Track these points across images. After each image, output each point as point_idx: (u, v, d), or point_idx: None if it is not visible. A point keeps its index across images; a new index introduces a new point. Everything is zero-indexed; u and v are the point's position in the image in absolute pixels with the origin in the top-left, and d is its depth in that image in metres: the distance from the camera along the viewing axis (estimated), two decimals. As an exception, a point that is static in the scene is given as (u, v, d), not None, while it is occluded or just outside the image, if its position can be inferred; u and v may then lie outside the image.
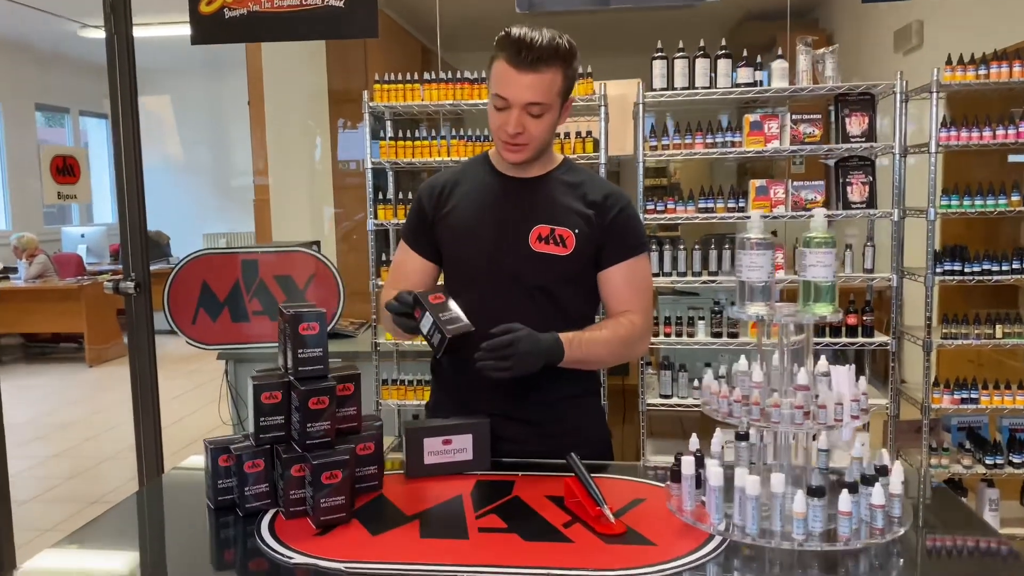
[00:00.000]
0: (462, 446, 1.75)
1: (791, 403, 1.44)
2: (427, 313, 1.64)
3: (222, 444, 1.61)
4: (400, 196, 3.51)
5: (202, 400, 5.82)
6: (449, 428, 1.74)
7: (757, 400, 1.45)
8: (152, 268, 4.00)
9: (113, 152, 3.57)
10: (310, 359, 1.56)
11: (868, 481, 1.41)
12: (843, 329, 3.18)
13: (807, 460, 1.53)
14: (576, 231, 1.77)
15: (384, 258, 3.59)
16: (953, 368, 3.64)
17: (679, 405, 3.34)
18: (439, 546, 1.41)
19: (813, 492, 1.37)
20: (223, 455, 1.60)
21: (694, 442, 1.66)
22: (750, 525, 1.39)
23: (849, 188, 3.13)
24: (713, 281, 3.28)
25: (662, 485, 1.65)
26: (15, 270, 8.14)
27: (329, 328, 3.97)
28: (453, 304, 1.67)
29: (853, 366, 1.51)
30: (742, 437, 1.65)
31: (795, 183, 3.16)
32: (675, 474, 1.55)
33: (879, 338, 3.19)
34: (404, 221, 1.94)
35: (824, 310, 1.49)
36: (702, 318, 3.34)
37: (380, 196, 3.52)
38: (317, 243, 4.41)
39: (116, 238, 10.31)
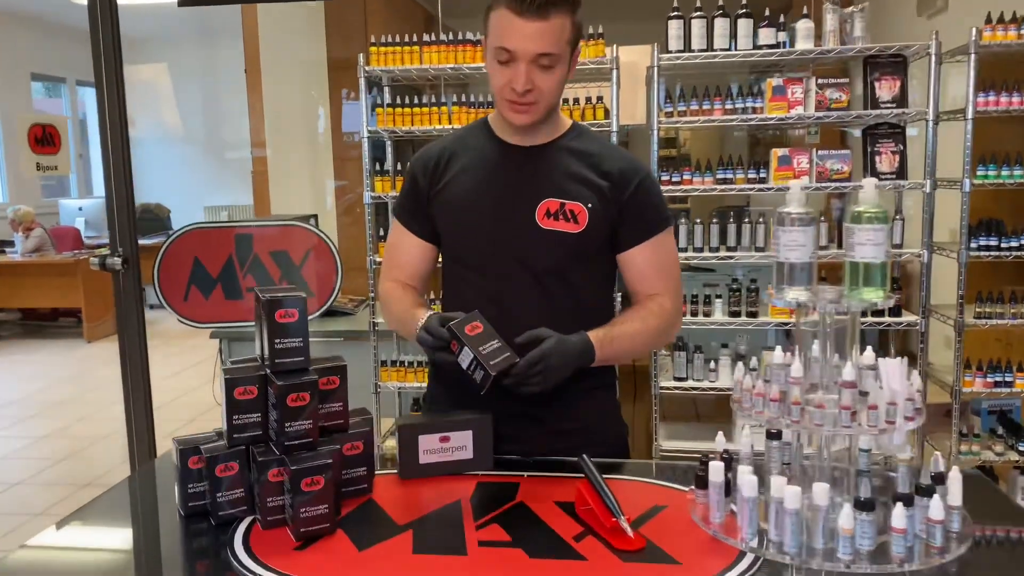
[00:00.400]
0: (461, 443, 1.57)
1: (836, 403, 1.26)
2: (465, 348, 1.46)
3: (192, 443, 1.44)
4: (399, 168, 3.32)
5: (200, 378, 5.67)
6: (447, 424, 1.57)
7: (798, 399, 1.26)
8: (151, 242, 3.86)
9: (99, 121, 3.38)
10: (288, 350, 1.38)
11: (924, 492, 1.23)
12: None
13: (851, 464, 1.35)
14: (589, 206, 1.58)
15: (382, 233, 3.40)
16: (979, 349, 3.44)
17: (694, 388, 3.16)
18: (434, 564, 1.25)
19: (862, 505, 1.19)
20: (193, 456, 1.43)
21: (720, 441, 1.48)
22: (789, 542, 1.21)
23: (878, 158, 2.93)
24: (730, 257, 3.09)
25: (685, 490, 1.48)
26: (11, 244, 7.98)
27: (327, 305, 3.81)
28: (491, 331, 1.49)
29: (905, 359, 1.33)
30: (774, 436, 1.47)
31: (820, 152, 2.96)
32: (700, 479, 1.38)
33: (907, 317, 3.01)
34: (398, 194, 1.75)
35: (874, 295, 1.31)
36: (719, 296, 3.16)
37: (378, 167, 3.33)
38: (314, 217, 4.23)
39: (115, 211, 10.11)
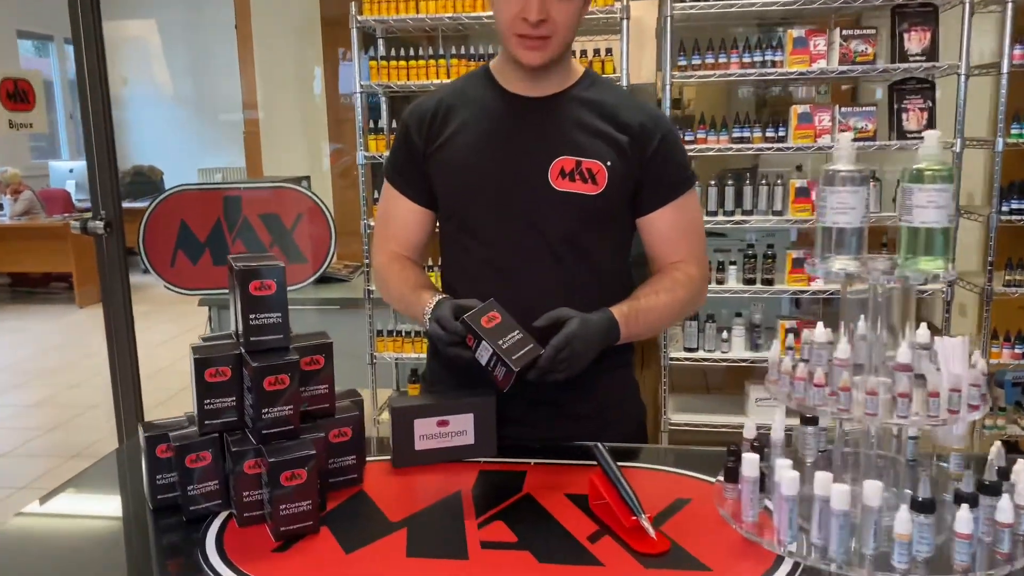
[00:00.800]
0: (461, 428, 1.42)
1: (889, 388, 1.10)
2: (483, 342, 1.30)
3: (160, 430, 1.28)
4: (394, 126, 3.12)
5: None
6: (445, 406, 1.42)
7: (847, 385, 1.11)
8: (143, 205, 3.67)
9: (76, 78, 3.20)
10: (265, 327, 1.22)
11: (990, 490, 1.08)
12: (892, 275, 2.82)
13: (899, 453, 1.20)
14: (608, 164, 1.41)
15: (377, 195, 3.22)
16: (1001, 319, 3.28)
17: (706, 359, 3.01)
18: (430, 570, 1.10)
19: (920, 507, 1.04)
20: (161, 444, 1.28)
21: (750, 428, 1.33)
22: (835, 547, 1.06)
23: (905, 115, 2.75)
24: (746, 221, 2.91)
25: (711, 481, 1.33)
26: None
27: (320, 272, 3.65)
28: (510, 320, 1.33)
29: (967, 337, 1.16)
30: (809, 421, 1.32)
31: (843, 109, 2.78)
32: (730, 471, 1.23)
33: (930, 285, 2.83)
34: (389, 154, 1.57)
35: (934, 265, 1.14)
36: (733, 263, 2.99)
37: (372, 126, 3.14)
38: (307, 179, 4.05)
39: (107, 173, 9.90)
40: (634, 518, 1.15)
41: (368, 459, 1.42)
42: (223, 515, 1.26)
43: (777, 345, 1.27)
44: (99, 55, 3.19)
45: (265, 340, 1.22)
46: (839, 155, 1.15)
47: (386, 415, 3.20)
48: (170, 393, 4.56)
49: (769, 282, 2.91)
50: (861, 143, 2.79)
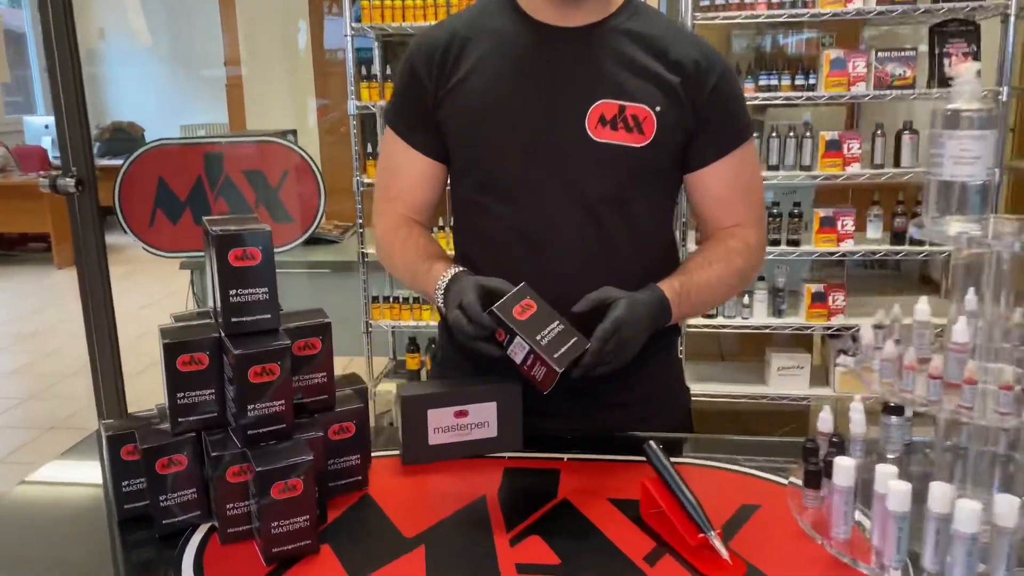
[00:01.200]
0: (482, 418, 1.22)
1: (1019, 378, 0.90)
2: (517, 337, 1.08)
3: (123, 429, 1.07)
4: (388, 72, 2.87)
5: (177, 307, 5.29)
6: (464, 393, 1.21)
7: (973, 377, 0.90)
8: (122, 163, 3.43)
9: (41, 23, 2.93)
10: (249, 305, 1.00)
11: None
12: (928, 235, 2.62)
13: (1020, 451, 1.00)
14: (657, 109, 1.18)
15: (370, 149, 2.99)
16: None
17: (726, 326, 2.81)
18: (457, 606, 0.90)
19: (1066, 527, 0.84)
20: (126, 445, 1.06)
21: (826, 421, 1.13)
22: (957, 576, 0.86)
23: (947, 60, 2.52)
24: (774, 177, 2.69)
25: (781, 482, 1.13)
26: (-29, 165, 7.46)
27: (309, 232, 3.41)
28: (547, 308, 1.11)
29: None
30: (893, 410, 1.12)
31: (879, 54, 2.54)
32: (812, 476, 1.03)
33: None
34: (390, 99, 1.34)
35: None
36: (755, 222, 2.77)
37: (364, 73, 2.88)
38: (293, 132, 3.79)
39: (84, 130, 9.55)
40: (702, 535, 0.95)
41: (371, 454, 1.21)
42: (204, 528, 1.05)
43: (869, 327, 1.06)
44: (66, 2, 2.93)
45: (249, 321, 1.00)
46: (959, 91, 0.93)
47: (384, 387, 3.00)
48: (154, 359, 4.32)
49: (795, 243, 2.70)
50: (899, 91, 2.56)
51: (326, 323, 1.08)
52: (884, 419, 1.14)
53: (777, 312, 2.78)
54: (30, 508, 1.17)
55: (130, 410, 3.26)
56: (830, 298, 2.65)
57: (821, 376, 2.83)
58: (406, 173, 1.30)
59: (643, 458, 1.17)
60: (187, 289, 3.66)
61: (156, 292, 5.86)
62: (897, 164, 2.61)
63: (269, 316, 1.01)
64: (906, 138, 2.56)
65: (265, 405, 0.99)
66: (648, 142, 1.19)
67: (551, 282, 1.18)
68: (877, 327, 1.07)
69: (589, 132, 1.18)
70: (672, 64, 1.20)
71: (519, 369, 1.10)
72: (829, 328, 2.72)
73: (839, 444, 1.07)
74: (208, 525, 1.06)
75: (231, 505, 1.01)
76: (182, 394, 1.01)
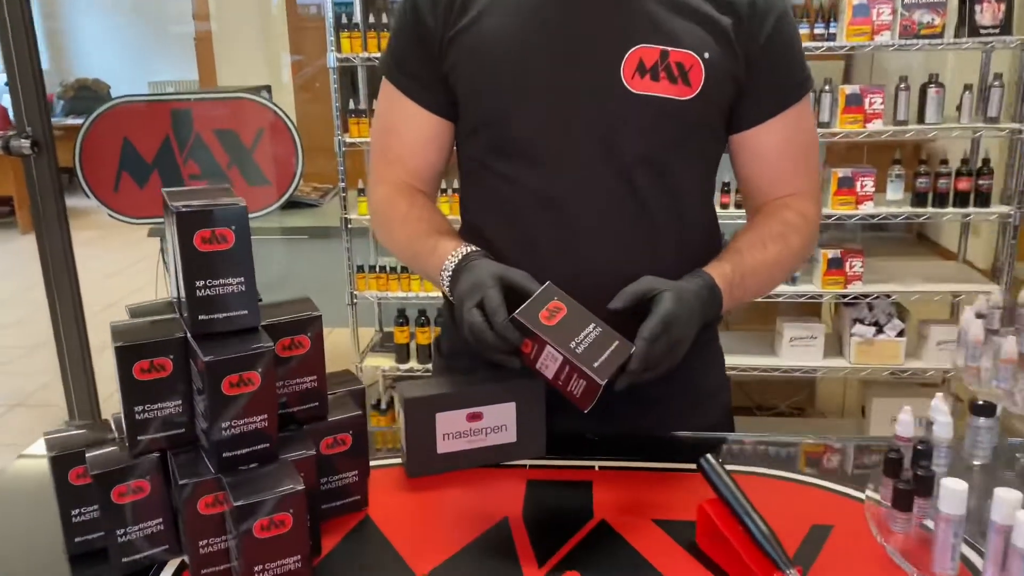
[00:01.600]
0: (500, 421, 1.04)
1: None
2: (548, 347, 0.89)
3: (71, 446, 0.88)
4: (371, 20, 2.63)
5: (147, 276, 5.05)
6: (478, 393, 1.03)
7: None
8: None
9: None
10: (220, 299, 0.81)
11: None
12: (950, 196, 2.46)
13: None
14: (706, 56, 0.99)
15: (352, 106, 2.76)
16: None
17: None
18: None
19: None
20: (75, 467, 0.88)
21: (907, 424, 0.96)
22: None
23: (978, 7, 2.33)
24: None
25: (853, 496, 0.97)
26: (-73, 125, 7.10)
27: (286, 196, 3.19)
28: (579, 309, 0.92)
29: None
30: (983, 410, 0.97)
31: (906, 1, 2.35)
32: (902, 496, 0.86)
33: (996, 208, 2.49)
34: (387, 46, 1.13)
35: None
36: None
37: (345, 21, 2.65)
38: (267, 88, 3.54)
39: (47, 86, 9.18)
40: (779, 574, 0.79)
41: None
42: (175, 565, 0.88)
43: (971, 312, 0.89)
44: (16, -50, 2.69)
45: (221, 319, 0.81)
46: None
47: (370, 362, 2.81)
48: (123, 331, 4.11)
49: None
50: (927, 40, 2.37)
51: (315, 317, 0.89)
52: (972, 421, 0.98)
53: (790, 279, 2.61)
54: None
55: (99, 388, 3.08)
56: (847, 264, 2.48)
57: (834, 347, 2.69)
58: (407, 133, 1.10)
59: (687, 465, 1.01)
60: (157, 257, 3.44)
61: (125, 260, 5.61)
62: (921, 120, 2.43)
63: (246, 312, 0.82)
64: (932, 92, 2.38)
65: (243, 421, 0.81)
66: (695, 94, 1.00)
67: (576, 261, 1.01)
68: (979, 315, 0.90)
69: (625, 82, 0.99)
70: (723, 4, 1.01)
71: (552, 385, 0.92)
72: (845, 296, 2.56)
73: (927, 453, 0.90)
74: (179, 560, 0.88)
75: (204, 542, 0.82)
76: (141, 407, 0.82)
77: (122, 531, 0.85)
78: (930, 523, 0.87)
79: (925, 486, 0.86)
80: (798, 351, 2.61)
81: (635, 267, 1.03)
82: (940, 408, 0.96)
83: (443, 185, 2.57)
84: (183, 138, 3.22)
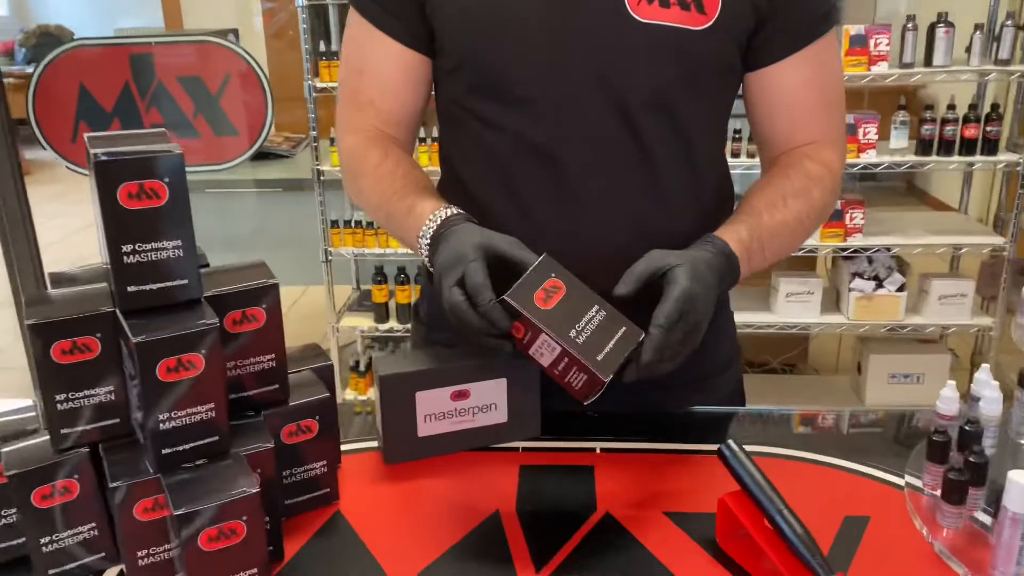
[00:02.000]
0: (488, 399, 0.92)
1: None
2: (543, 335, 0.76)
3: (-13, 441, 0.75)
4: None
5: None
6: (463, 369, 0.90)
7: None
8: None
9: None
10: (154, 267, 0.67)
11: None
12: (957, 144, 2.34)
13: None
14: None
15: (323, 48, 2.58)
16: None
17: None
18: None
19: None
20: (-9, 466, 0.75)
21: (950, 400, 0.85)
22: None
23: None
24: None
25: (888, 481, 0.86)
26: None
27: (256, 146, 3.02)
28: (582, 288, 0.79)
29: None
30: (1033, 383, 0.86)
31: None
32: (953, 486, 0.75)
33: (1004, 156, 2.37)
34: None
35: None
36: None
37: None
38: (234, 32, 3.34)
39: (7, 33, 8.82)
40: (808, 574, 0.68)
41: (341, 449, 0.91)
42: (114, 573, 0.75)
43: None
44: None
45: (154, 290, 0.68)
46: None
47: (347, 322, 2.68)
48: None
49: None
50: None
51: (270, 285, 0.75)
52: (1020, 395, 0.87)
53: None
54: None
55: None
56: (847, 215, 2.36)
57: (831, 302, 2.58)
58: (380, 71, 0.96)
59: (701, 446, 0.91)
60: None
61: (91, 215, 5.40)
62: (928, 63, 2.29)
63: (186, 282, 0.69)
64: (940, 32, 2.24)
65: (186, 412, 0.68)
66: (711, 23, 0.87)
67: (572, 219, 0.89)
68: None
69: (630, 9, 0.85)
70: None
71: (547, 374, 0.79)
72: (845, 249, 2.45)
73: (976, 435, 0.79)
74: (119, 568, 0.76)
75: (143, 552, 0.70)
76: (64, 395, 0.69)
77: (48, 539, 0.72)
78: (982, 516, 0.77)
79: (978, 474, 0.75)
80: (794, 307, 2.51)
81: (640, 225, 0.91)
82: (987, 381, 0.85)
83: (421, 133, 2.42)
84: (144, 85, 3.03)
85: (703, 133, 0.94)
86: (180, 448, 0.69)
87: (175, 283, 0.68)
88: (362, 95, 0.98)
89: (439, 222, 0.85)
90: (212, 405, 0.69)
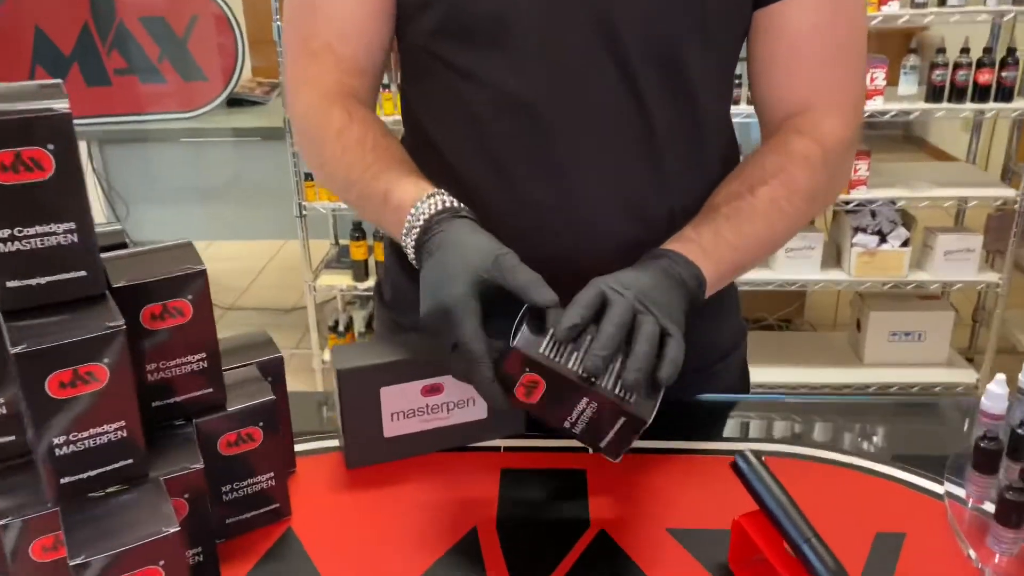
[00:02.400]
0: (465, 394, 0.80)
1: None
2: (579, 393, 0.64)
3: None
4: None
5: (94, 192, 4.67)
6: (434, 360, 0.78)
7: None
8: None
9: None
10: (40, 257, 0.54)
11: None
12: (969, 91, 2.20)
13: None
14: None
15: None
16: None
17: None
18: None
19: None
20: None
21: (997, 397, 0.74)
22: None
23: None
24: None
25: (931, 491, 0.75)
26: None
27: (227, 92, 2.85)
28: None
29: None
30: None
31: None
32: (1010, 509, 0.64)
33: (1020, 103, 2.23)
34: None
35: None
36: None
37: None
38: (200, -31, 3.12)
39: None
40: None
41: (295, 445, 0.79)
42: (17, 611, 0.64)
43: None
44: None
45: (44, 284, 0.55)
46: None
47: (325, 280, 2.55)
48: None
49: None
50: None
51: (197, 272, 0.62)
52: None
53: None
54: None
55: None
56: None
57: (832, 258, 2.47)
58: (336, 9, 0.81)
59: (706, 445, 0.80)
60: (87, 167, 3.09)
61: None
62: (942, 3, 2.14)
63: (84, 273, 0.56)
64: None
65: (88, 433, 0.56)
66: None
67: (557, 184, 0.77)
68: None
69: None
70: None
71: (555, 425, 0.66)
72: (849, 203, 2.32)
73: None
74: (26, 605, 0.64)
75: (47, 596, 0.59)
76: (-60, 411, 0.57)
77: (-65, 577, 0.60)
78: (1038, 536, 0.66)
79: (1032, 488, 0.64)
80: (794, 263, 2.39)
81: (635, 192, 0.78)
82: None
83: (384, 79, 2.26)
84: (104, 27, 2.83)
85: (709, 88, 0.80)
86: (83, 476, 0.56)
87: (69, 275, 0.55)
88: (316, 39, 0.83)
89: (422, 221, 0.70)
90: (122, 423, 0.57)
